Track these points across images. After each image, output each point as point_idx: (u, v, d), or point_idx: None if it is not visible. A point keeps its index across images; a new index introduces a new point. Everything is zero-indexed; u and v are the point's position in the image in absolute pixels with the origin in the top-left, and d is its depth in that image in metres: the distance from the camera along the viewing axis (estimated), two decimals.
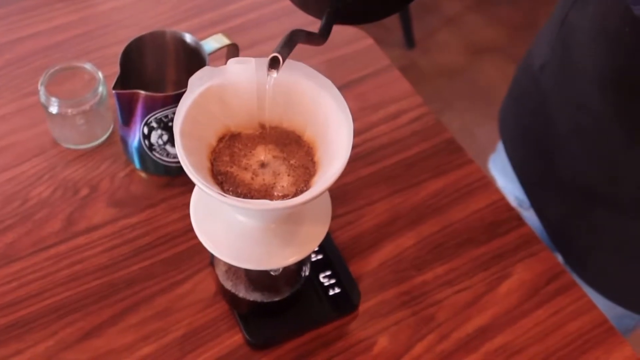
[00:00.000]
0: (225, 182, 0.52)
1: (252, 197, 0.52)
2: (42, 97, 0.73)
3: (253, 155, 0.54)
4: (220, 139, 0.54)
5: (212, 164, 0.53)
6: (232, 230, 0.56)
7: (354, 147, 0.79)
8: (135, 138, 0.71)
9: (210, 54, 0.71)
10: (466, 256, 0.72)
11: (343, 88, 0.84)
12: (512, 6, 2.12)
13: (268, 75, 0.49)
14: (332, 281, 0.68)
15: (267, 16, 0.90)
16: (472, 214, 0.75)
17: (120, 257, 0.70)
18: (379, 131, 0.81)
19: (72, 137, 0.77)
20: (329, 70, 0.86)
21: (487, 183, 0.77)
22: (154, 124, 0.69)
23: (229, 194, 0.51)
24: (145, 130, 0.70)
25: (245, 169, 0.53)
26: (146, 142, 0.71)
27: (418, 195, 0.76)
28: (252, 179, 0.53)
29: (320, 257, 0.70)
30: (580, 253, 0.86)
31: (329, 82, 0.53)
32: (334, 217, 0.73)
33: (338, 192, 0.75)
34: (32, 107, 0.79)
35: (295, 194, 0.52)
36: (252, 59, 0.53)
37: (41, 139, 0.77)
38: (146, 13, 0.90)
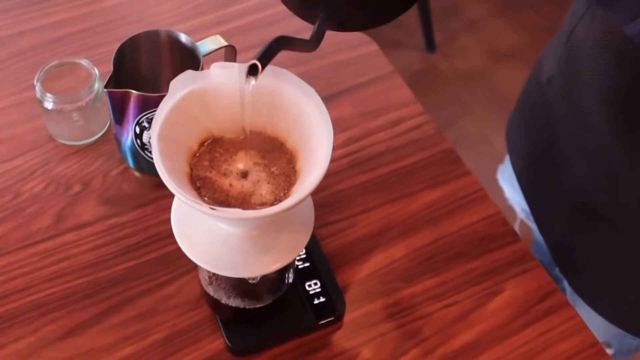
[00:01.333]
0: (202, 187, 0.52)
1: (229, 205, 0.51)
2: (38, 92, 0.74)
3: (234, 160, 0.54)
4: (202, 143, 0.54)
5: (191, 169, 0.53)
6: (211, 237, 0.56)
7: (350, 153, 0.81)
8: (128, 137, 0.71)
9: (205, 55, 0.71)
10: (457, 270, 0.71)
11: (344, 92, 0.84)
12: (535, 12, 2.10)
13: (246, 82, 0.49)
14: (318, 290, 0.68)
15: (270, 18, 0.90)
16: (466, 227, 0.74)
17: (107, 256, 0.70)
18: (377, 138, 0.80)
19: (68, 133, 0.77)
20: (331, 74, 0.85)
21: (483, 196, 0.76)
22: (146, 124, 0.69)
23: (206, 200, 0.51)
24: (137, 130, 0.70)
25: (225, 174, 0.53)
26: (138, 141, 0.71)
27: (412, 205, 0.75)
28: (231, 185, 0.52)
29: (306, 264, 0.69)
30: (580, 271, 0.85)
31: (312, 90, 0.52)
32: (324, 225, 0.73)
33: (331, 199, 0.75)
34: (29, 102, 0.80)
35: (274, 203, 0.52)
36: (235, 64, 0.53)
37: (37, 134, 0.78)
38: (150, 10, 0.90)
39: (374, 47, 0.89)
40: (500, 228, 0.74)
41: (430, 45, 2.00)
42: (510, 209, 0.99)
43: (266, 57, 0.48)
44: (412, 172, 0.78)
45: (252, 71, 0.47)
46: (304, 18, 0.57)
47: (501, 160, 1.01)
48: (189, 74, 0.52)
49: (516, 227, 1.01)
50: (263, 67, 0.47)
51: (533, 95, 0.88)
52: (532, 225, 0.95)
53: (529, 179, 0.90)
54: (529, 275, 0.72)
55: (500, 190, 1.00)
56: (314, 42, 0.53)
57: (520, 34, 2.05)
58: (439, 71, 1.97)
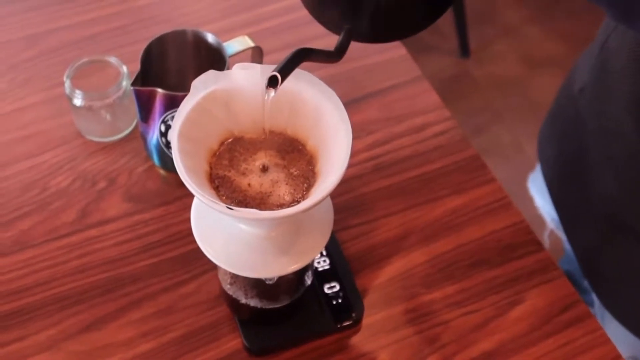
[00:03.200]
0: (221, 186, 0.52)
1: (247, 205, 0.52)
2: (67, 89, 0.75)
3: (253, 160, 0.54)
4: (222, 143, 0.55)
5: (211, 168, 0.53)
6: (230, 236, 0.56)
7: (375, 157, 0.81)
8: (153, 135, 0.73)
9: (232, 55, 0.72)
10: (478, 278, 0.71)
11: (370, 96, 0.84)
12: (572, 20, 2.08)
13: (266, 92, 0.49)
14: (337, 293, 0.68)
15: (299, 20, 0.90)
16: (489, 235, 0.74)
17: (129, 252, 0.71)
18: (402, 143, 0.80)
19: (95, 129, 0.78)
20: (358, 77, 0.86)
21: (507, 203, 0.76)
22: (171, 123, 0.70)
23: (224, 200, 0.52)
24: (163, 128, 0.71)
25: (244, 174, 0.53)
26: (163, 139, 0.72)
27: (435, 211, 0.75)
28: (249, 185, 0.53)
29: (326, 267, 0.70)
30: (608, 283, 0.84)
31: (332, 93, 0.53)
32: (346, 228, 0.73)
33: (354, 202, 0.75)
34: (59, 98, 0.82)
35: (292, 204, 0.52)
36: (258, 65, 0.53)
37: (65, 130, 0.80)
38: (180, 10, 0.91)
39: (402, 51, 0.89)
40: (523, 236, 0.74)
41: (464, 50, 1.99)
42: (540, 218, 0.99)
43: (287, 69, 0.48)
44: (436, 178, 0.78)
45: (272, 83, 0.48)
46: (328, 29, 0.57)
47: (533, 169, 1.00)
48: (210, 74, 0.53)
49: (546, 236, 1.01)
50: (283, 79, 0.48)
51: (564, 105, 0.88)
52: (562, 236, 0.94)
53: (559, 189, 0.90)
54: (552, 285, 0.71)
55: (530, 199, 0.99)
56: (338, 53, 0.53)
57: (557, 41, 2.03)
58: (473, 77, 1.96)
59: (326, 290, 0.68)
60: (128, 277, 0.70)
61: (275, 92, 0.49)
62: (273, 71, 0.48)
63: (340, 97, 0.53)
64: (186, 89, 0.76)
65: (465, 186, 0.77)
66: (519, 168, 1.59)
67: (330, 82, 0.54)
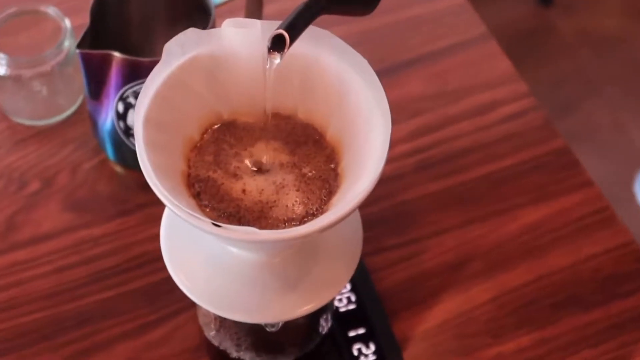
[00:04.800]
0: (203, 192, 0.52)
1: (241, 220, 0.51)
2: None
3: (250, 155, 0.54)
4: (206, 130, 0.54)
5: (190, 167, 0.53)
6: (215, 263, 0.56)
7: (420, 150, 0.81)
8: (107, 117, 0.73)
9: (219, 5, 0.72)
10: (567, 323, 0.71)
11: (414, 63, 0.84)
12: None
13: (269, 59, 0.49)
14: (366, 343, 0.68)
15: None
16: (583, 262, 0.74)
17: (74, 283, 0.71)
18: (459, 130, 0.81)
19: (26, 108, 0.79)
20: (397, 37, 0.86)
21: (610, 217, 0.76)
22: (133, 100, 0.70)
23: (207, 212, 0.51)
24: (120, 108, 0.71)
25: (236, 175, 0.53)
26: (121, 123, 0.72)
27: (506, 227, 0.75)
28: (244, 191, 0.52)
29: (352, 307, 0.70)
30: None
31: (363, 61, 0.52)
32: (379, 251, 0.74)
33: (389, 215, 0.76)
34: None
35: (305, 219, 0.52)
36: (257, 21, 0.53)
37: None
38: None
39: None
40: (632, 264, 0.74)
41: None
42: None
43: (298, 25, 0.48)
44: (508, 180, 0.78)
45: (277, 45, 0.48)
46: None
47: None
48: (190, 33, 0.53)
49: None
50: (292, 40, 0.47)
51: None
52: None
53: None
54: None
55: (637, 208, 0.99)
56: (370, 3, 0.53)
57: None
58: (557, 32, 1.95)
59: (351, 341, 0.69)
60: (72, 317, 0.70)
61: (281, 59, 0.49)
62: (278, 28, 0.47)
63: (373, 65, 0.52)
64: (155, 53, 0.77)
65: (549, 192, 0.77)
66: (621, 163, 1.59)
67: (359, 43, 0.53)
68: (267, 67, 0.50)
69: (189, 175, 0.53)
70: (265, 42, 0.49)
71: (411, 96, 0.82)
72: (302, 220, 0.52)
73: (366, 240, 0.60)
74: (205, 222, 0.48)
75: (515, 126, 0.81)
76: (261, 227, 0.51)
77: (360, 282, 0.71)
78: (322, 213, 0.52)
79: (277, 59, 0.49)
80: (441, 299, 0.72)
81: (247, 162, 0.54)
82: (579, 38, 1.95)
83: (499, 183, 0.78)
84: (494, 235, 0.75)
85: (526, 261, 0.74)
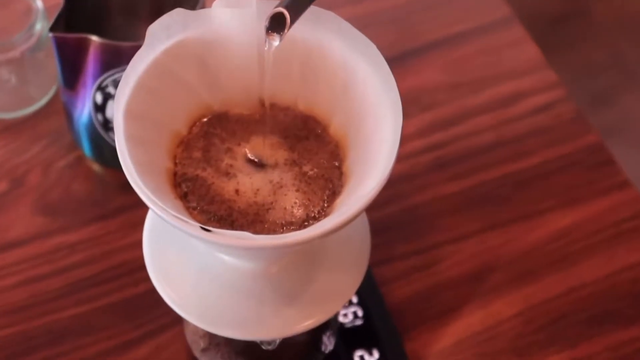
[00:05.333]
0: (191, 193, 0.52)
1: (233, 223, 0.52)
2: None
3: (243, 150, 0.54)
4: (195, 123, 0.55)
5: (176, 164, 0.53)
6: (205, 273, 0.56)
7: (435, 146, 0.81)
8: (84, 109, 0.73)
9: None
10: (602, 341, 0.71)
11: (430, 49, 0.85)
12: None
13: (267, 41, 0.49)
14: None
15: None
16: (619, 273, 0.74)
17: (46, 296, 0.71)
18: (480, 124, 0.81)
19: None
20: (410, 19, 0.86)
21: None
22: (112, 90, 0.70)
23: (195, 216, 0.51)
24: (99, 99, 0.71)
25: (227, 173, 0.53)
26: (99, 116, 0.72)
27: (533, 234, 0.76)
28: (237, 192, 0.53)
29: (359, 323, 0.70)
30: None
31: (371, 45, 0.52)
32: (389, 260, 0.74)
33: (401, 219, 0.76)
34: None
35: (305, 223, 0.52)
36: (253, 0, 0.53)
37: None
38: None
39: None
40: None
41: None
42: None
43: (299, 5, 0.48)
44: (535, 181, 0.78)
45: (276, 25, 0.48)
46: None
47: None
48: (177, 14, 0.53)
49: None
50: (293, 21, 0.48)
51: None
52: None
53: None
54: None
55: None
56: None
57: None
58: (592, 17, 1.96)
59: None
60: (44, 334, 0.70)
61: (280, 41, 0.49)
62: (277, 6, 0.47)
63: (383, 51, 0.52)
64: (138, 37, 0.77)
65: (581, 194, 0.78)
66: None
67: (367, 26, 0.53)
68: (266, 49, 0.50)
69: (175, 173, 0.53)
70: (263, 23, 0.49)
71: (425, 86, 0.82)
72: (302, 225, 0.52)
73: (374, 248, 0.60)
74: (194, 227, 0.48)
75: (543, 120, 0.81)
76: (256, 232, 0.51)
77: (367, 294, 0.71)
78: (324, 216, 0.52)
79: (276, 40, 0.49)
80: (459, 314, 0.72)
81: (241, 159, 0.54)
82: (616, 23, 1.95)
83: (524, 184, 0.78)
84: (518, 242, 0.75)
85: (555, 272, 0.74)
